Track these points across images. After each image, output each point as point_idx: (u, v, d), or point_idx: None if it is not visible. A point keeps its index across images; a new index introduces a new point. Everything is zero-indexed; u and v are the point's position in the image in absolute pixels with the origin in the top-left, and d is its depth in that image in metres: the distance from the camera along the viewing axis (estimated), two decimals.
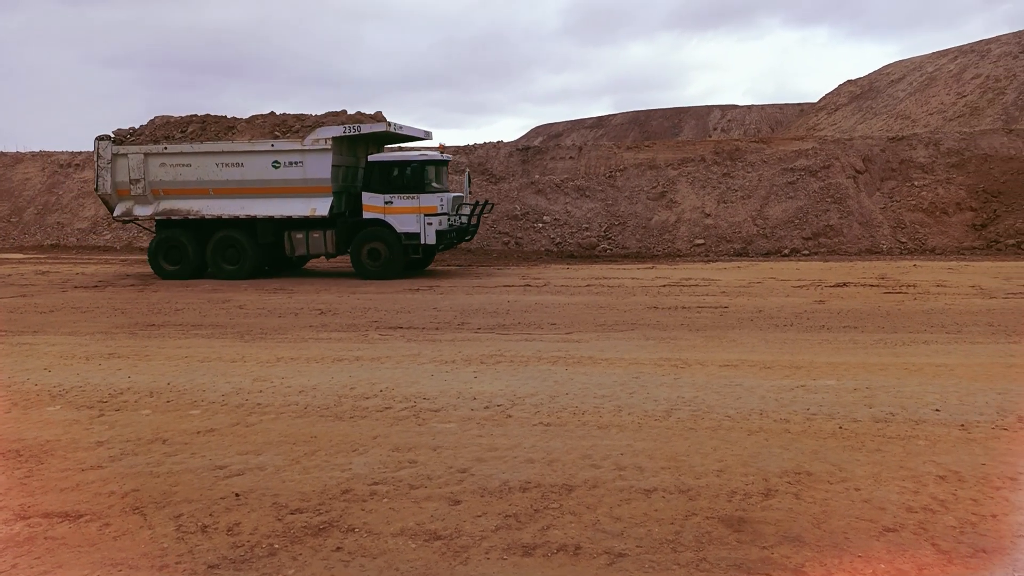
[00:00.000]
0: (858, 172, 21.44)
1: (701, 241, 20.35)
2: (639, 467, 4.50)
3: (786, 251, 19.60)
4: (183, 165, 16.26)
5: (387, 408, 5.83)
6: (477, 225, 17.20)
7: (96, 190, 17.24)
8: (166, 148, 16.39)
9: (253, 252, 16.23)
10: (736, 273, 15.87)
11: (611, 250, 20.42)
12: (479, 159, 23.92)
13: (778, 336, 8.61)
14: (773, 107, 77.59)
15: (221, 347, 8.49)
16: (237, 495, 4.21)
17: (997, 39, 51.55)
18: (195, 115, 17.61)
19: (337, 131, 15.69)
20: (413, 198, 15.55)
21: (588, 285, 14.14)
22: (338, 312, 11.17)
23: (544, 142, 24.03)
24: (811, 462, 4.51)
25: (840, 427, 5.12)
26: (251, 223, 16.21)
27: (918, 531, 3.60)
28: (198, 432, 5.33)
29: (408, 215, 15.56)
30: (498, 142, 25.19)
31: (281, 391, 6.40)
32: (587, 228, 21.20)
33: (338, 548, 3.58)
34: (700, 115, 77.89)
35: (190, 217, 16.31)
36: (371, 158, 16.22)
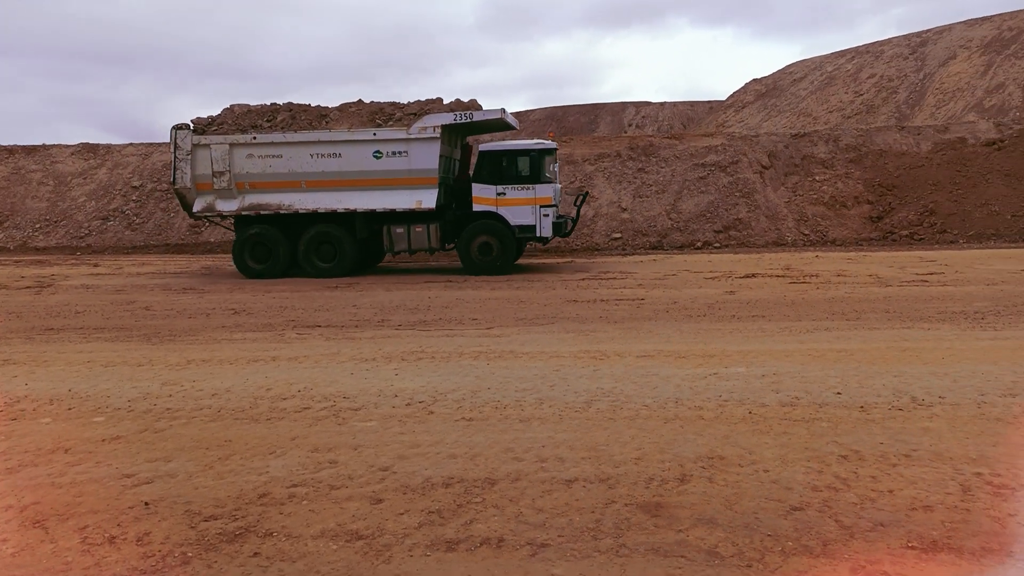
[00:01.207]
0: (764, 167, 22.34)
1: (618, 235, 20.78)
2: (560, 458, 4.57)
3: (699, 244, 20.24)
4: (273, 156, 15.06)
5: (306, 408, 5.71)
6: (578, 217, 16.48)
7: (173, 184, 15.61)
8: (255, 138, 15.15)
9: (351, 248, 15.26)
10: (652, 266, 16.28)
11: (530, 245, 20.58)
12: None
13: (692, 326, 8.89)
14: (685, 104, 79.82)
15: (126, 351, 8.12)
16: (146, 504, 4.04)
17: (889, 41, 54.60)
18: (276, 103, 16.27)
19: (447, 118, 14.80)
20: (528, 188, 14.89)
21: (509, 280, 14.22)
22: (253, 312, 10.85)
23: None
24: (723, 446, 4.68)
25: (750, 412, 5.33)
26: (348, 217, 15.22)
27: (822, 508, 3.80)
28: (103, 440, 5.08)
29: (523, 207, 14.91)
30: None
31: (192, 395, 6.17)
32: None
33: (255, 553, 3.48)
34: (615, 111, 79.34)
35: (281, 212, 15.16)
36: (483, 147, 15.48)
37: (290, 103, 16.30)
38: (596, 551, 3.44)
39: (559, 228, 15.33)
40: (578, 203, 16.38)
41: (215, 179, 15.10)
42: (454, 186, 15.63)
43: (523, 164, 14.96)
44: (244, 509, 3.95)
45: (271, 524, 3.77)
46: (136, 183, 25.28)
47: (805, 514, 3.75)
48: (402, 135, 14.74)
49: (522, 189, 14.87)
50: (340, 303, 11.56)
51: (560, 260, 18.25)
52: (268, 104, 16.30)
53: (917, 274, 13.23)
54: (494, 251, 15.08)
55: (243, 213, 15.28)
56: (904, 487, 4.01)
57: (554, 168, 15.51)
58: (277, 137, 15.14)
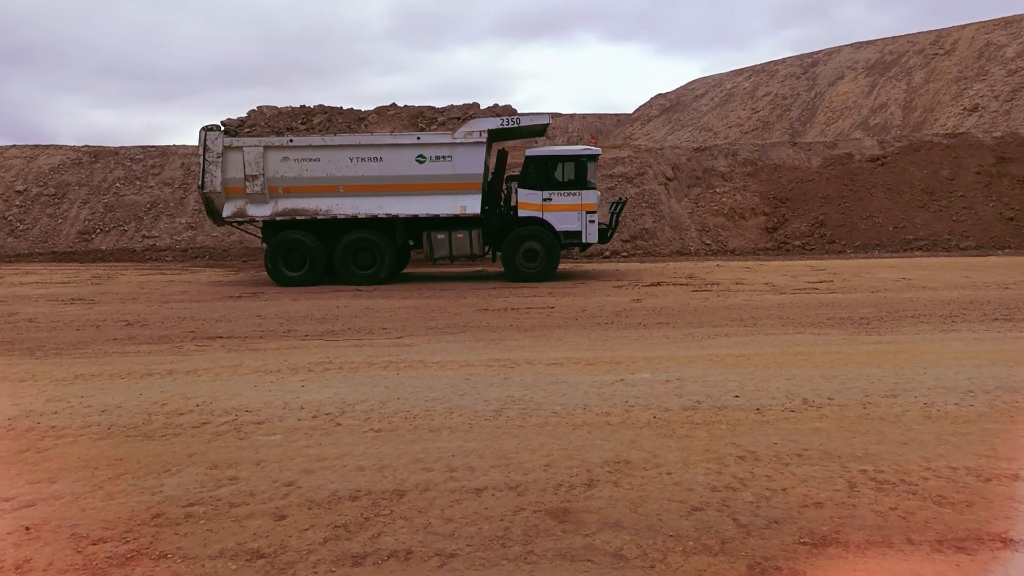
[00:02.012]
0: (668, 179, 23.11)
1: None
2: (470, 467, 4.56)
3: (607, 253, 20.69)
4: (310, 160, 14.42)
5: (204, 424, 5.48)
6: (616, 224, 16.12)
7: (201, 188, 14.71)
8: (291, 141, 14.44)
9: (390, 254, 14.81)
10: (561, 275, 16.52)
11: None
12: None
13: (600, 334, 9.07)
14: (594, 116, 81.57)
15: (6, 365, 7.58)
16: (27, 528, 3.77)
17: (783, 61, 57.55)
18: (305, 105, 15.38)
19: (493, 123, 14.50)
20: (574, 195, 14.73)
21: (419, 288, 14.12)
22: (148, 323, 10.34)
23: None
24: (629, 451, 4.79)
25: (654, 416, 5.48)
26: (387, 223, 14.75)
27: (721, 508, 3.94)
28: None
29: (569, 213, 14.75)
30: None
31: (80, 412, 5.81)
32: None
33: None
34: None
35: (319, 217, 14.53)
36: (529, 152, 15.18)
37: (322, 105, 15.67)
38: (505, 559, 3.44)
39: (603, 234, 15.31)
40: (616, 211, 16.19)
41: (248, 183, 14.45)
42: (488, 191, 15.31)
43: (570, 170, 14.88)
44: (136, 531, 3.75)
45: (165, 545, 3.59)
46: (20, 187, 23.68)
47: (705, 514, 3.87)
48: (447, 139, 14.48)
49: (568, 195, 14.76)
50: (243, 313, 11.17)
51: (472, 269, 18.27)
52: (297, 106, 15.61)
53: (808, 282, 13.96)
54: (539, 257, 14.90)
55: (277, 218, 14.65)
56: (796, 485, 4.21)
57: (594, 174, 15.54)
58: (315, 140, 14.62)
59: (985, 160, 22.78)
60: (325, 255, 14.76)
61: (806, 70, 53.67)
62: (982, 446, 4.72)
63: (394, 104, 16.00)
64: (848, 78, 50.40)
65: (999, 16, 46.89)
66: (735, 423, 5.31)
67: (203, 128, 14.56)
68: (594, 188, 15.07)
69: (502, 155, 15.98)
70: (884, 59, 50.00)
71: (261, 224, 15.15)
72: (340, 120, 15.39)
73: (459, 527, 3.76)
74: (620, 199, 16.70)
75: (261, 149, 14.43)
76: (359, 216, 14.63)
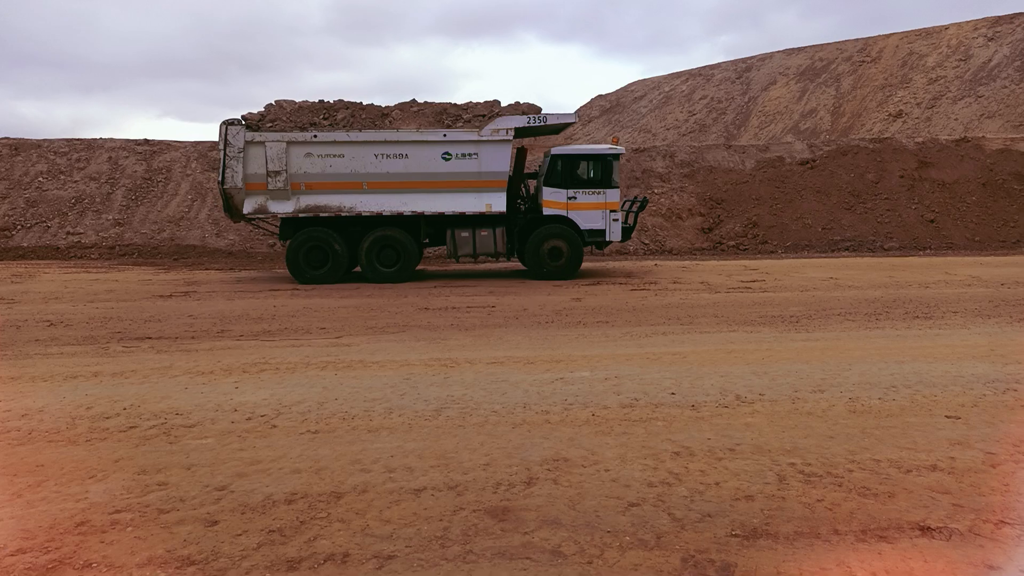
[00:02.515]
0: None
1: None
2: (409, 468, 4.53)
3: None
4: (334, 156, 14.11)
5: (132, 427, 5.29)
6: (635, 223, 15.97)
7: (222, 184, 14.14)
8: (315, 136, 14.08)
9: (414, 252, 14.62)
10: (503, 274, 16.56)
11: None
12: None
13: (540, 333, 9.13)
14: None
15: None
16: None
17: (719, 65, 58.96)
18: (323, 100, 14.78)
19: (520, 121, 14.41)
20: (599, 193, 14.76)
21: (358, 288, 13.95)
22: (72, 324, 9.92)
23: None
24: (568, 449, 4.83)
25: (593, 414, 5.54)
26: (409, 221, 14.54)
27: (657, 503, 4.01)
28: None
29: (593, 211, 14.78)
30: None
31: None
32: None
33: None
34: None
35: (343, 214, 14.23)
36: (555, 151, 15.04)
37: (343, 100, 15.21)
38: (443, 559, 3.43)
39: (626, 233, 15.38)
40: (635, 209, 16.06)
41: (270, 179, 14.06)
42: (508, 189, 15.14)
43: (595, 168, 14.92)
44: (58, 540, 3.60)
45: (90, 554, 3.46)
46: None
47: (641, 509, 3.94)
48: (473, 136, 14.37)
49: (593, 193, 14.81)
50: (174, 313, 10.83)
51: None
52: (315, 101, 15.01)
53: (741, 281, 14.35)
54: (564, 256, 14.88)
55: (301, 215, 14.29)
56: (729, 479, 4.32)
57: (618, 173, 15.53)
58: (340, 136, 14.30)
59: (908, 164, 23.82)
60: (349, 253, 14.59)
61: (740, 75, 55.11)
62: (903, 439, 4.94)
63: (415, 100, 15.73)
64: (780, 83, 51.96)
65: (920, 27, 49.06)
66: (671, 420, 5.41)
67: (224, 122, 14.22)
68: (617, 187, 15.18)
69: (520, 153, 15.90)
70: (814, 66, 51.73)
71: (279, 221, 14.88)
72: (363, 116, 15.08)
73: (398, 528, 3.73)
74: (639, 197, 16.76)
75: (284, 144, 14.13)
76: (384, 214, 14.47)
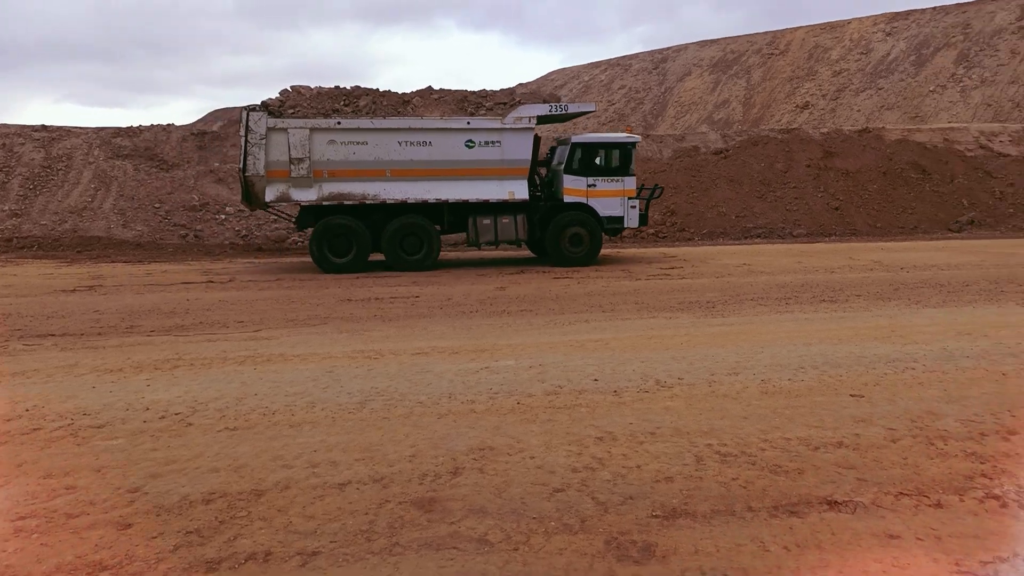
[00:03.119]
0: None
1: None
2: (333, 462, 4.47)
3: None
4: (358, 143, 14.01)
5: (35, 430, 5.02)
6: (647, 211, 16.03)
7: (243, 171, 13.77)
8: (339, 123, 13.99)
9: (437, 239, 14.68)
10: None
11: (302, 242, 19.85)
12: (145, 143, 21.60)
13: (465, 322, 9.13)
14: None
15: None
16: None
17: (636, 56, 59.98)
18: (339, 86, 14.75)
19: (542, 109, 14.67)
20: (617, 181, 15.10)
21: (278, 279, 13.60)
22: None
23: (224, 127, 22.48)
24: (493, 437, 4.86)
25: (518, 403, 5.59)
26: (432, 208, 14.58)
27: (581, 488, 4.09)
28: None
29: (612, 198, 15.10)
30: (168, 125, 22.99)
31: None
32: (275, 220, 20.31)
33: None
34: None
35: (367, 202, 14.19)
36: (575, 139, 15.24)
37: (359, 86, 15.11)
38: (369, 553, 3.41)
39: (643, 219, 15.67)
40: (648, 197, 16.20)
41: (293, 166, 13.81)
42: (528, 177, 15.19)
43: (614, 156, 15.20)
44: None
45: None
46: None
47: (566, 494, 4.01)
48: (496, 124, 14.46)
49: (612, 181, 15.09)
50: (78, 308, 10.29)
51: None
52: (332, 87, 14.93)
53: (661, 268, 14.72)
54: (584, 242, 15.08)
55: (324, 203, 14.10)
56: (650, 462, 4.44)
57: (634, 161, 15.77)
58: (364, 123, 14.19)
59: (814, 154, 24.88)
60: (373, 240, 14.48)
61: (657, 65, 56.26)
62: (811, 417, 5.19)
63: (430, 87, 15.89)
64: (695, 75, 53.33)
65: (826, 20, 51.21)
66: (594, 406, 5.52)
67: (245, 108, 13.89)
68: (633, 175, 15.44)
69: (536, 141, 15.69)
70: (726, 57, 53.31)
71: (298, 209, 14.66)
72: (384, 103, 15.10)
73: (321, 524, 3.68)
74: (655, 186, 17.02)
75: (307, 131, 13.86)
76: (409, 201, 14.42)
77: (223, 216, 20.05)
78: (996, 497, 3.93)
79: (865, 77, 45.17)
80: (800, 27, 52.19)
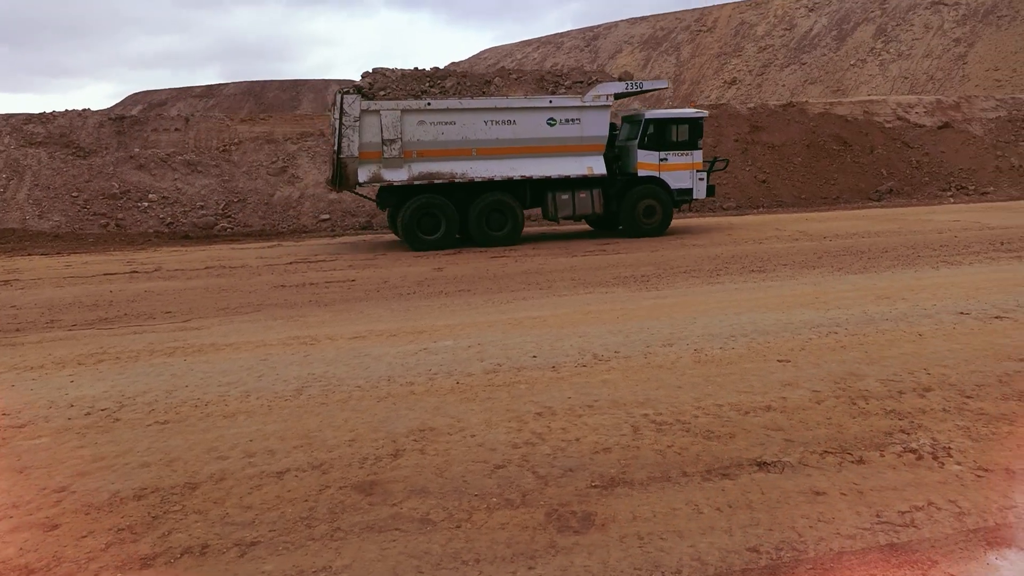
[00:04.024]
0: None
1: (327, 216, 20.34)
2: (270, 450, 4.40)
3: None
4: (446, 123, 14.39)
5: None
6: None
7: (338, 153, 14.04)
8: (429, 104, 14.32)
9: (521, 216, 15.19)
10: (363, 247, 16.24)
11: (232, 229, 19.31)
12: (60, 130, 20.59)
13: (402, 304, 9.06)
14: None
15: None
16: None
17: (568, 33, 60.04)
18: (418, 68, 15.36)
19: (618, 87, 15.23)
20: (687, 154, 15.75)
21: (208, 268, 13.21)
22: None
23: (144, 111, 21.58)
24: (434, 418, 4.87)
25: (457, 382, 5.60)
26: (514, 185, 15.00)
27: (522, 463, 4.14)
28: None
29: (682, 171, 15.78)
30: (84, 110, 21.94)
31: None
32: (203, 206, 19.71)
33: None
34: (318, 89, 77.06)
35: (456, 180, 14.56)
36: (648, 114, 15.89)
37: (437, 68, 15.40)
38: (310, 539, 3.38)
39: (711, 191, 16.39)
40: (716, 168, 16.90)
41: (386, 147, 14.17)
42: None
43: (684, 131, 15.79)
44: None
45: None
46: None
47: (507, 470, 4.05)
48: (576, 103, 14.89)
49: (682, 155, 15.74)
50: None
51: (267, 244, 17.38)
52: (413, 69, 15.24)
53: (596, 244, 14.88)
54: (657, 214, 15.77)
55: (415, 182, 14.45)
56: (588, 434, 4.52)
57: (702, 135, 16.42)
58: (453, 103, 14.51)
59: (742, 129, 25.47)
60: (460, 218, 14.84)
61: (589, 43, 56.47)
62: (741, 383, 5.36)
63: (503, 68, 16.31)
64: (626, 52, 53.77)
65: None
66: (533, 382, 5.57)
67: (339, 91, 14.12)
68: (701, 148, 16.05)
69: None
70: (656, 35, 53.90)
71: (378, 189, 15.09)
72: (468, 84, 15.37)
73: (260, 514, 3.63)
74: (714, 159, 17.48)
75: (398, 113, 14.17)
76: (495, 179, 14.79)
77: (146, 204, 19.32)
78: (913, 451, 4.15)
79: (789, 52, 46.34)
80: (727, 4, 53.09)
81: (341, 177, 14.46)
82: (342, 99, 14.06)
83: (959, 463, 3.99)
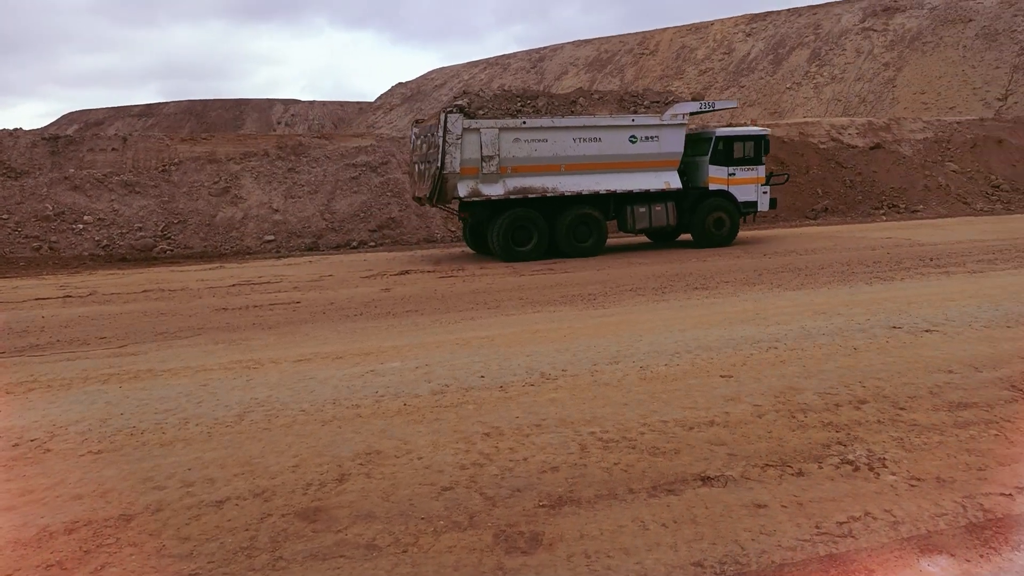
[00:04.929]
0: None
1: (271, 237, 20.02)
2: (210, 479, 4.27)
3: (355, 243, 20.42)
4: (539, 140, 15.36)
5: None
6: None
7: (442, 169, 14.84)
8: (524, 122, 15.34)
9: (605, 228, 16.11)
10: (307, 268, 16.02)
11: (172, 251, 18.83)
12: None
13: (349, 326, 8.95)
14: (335, 104, 79.60)
15: None
16: None
17: (515, 55, 60.68)
18: (506, 88, 16.55)
19: (693, 107, 16.62)
20: (752, 169, 16.97)
21: (145, 291, 12.84)
22: None
23: (80, 131, 20.88)
24: (380, 441, 4.80)
25: (405, 404, 5.55)
26: (599, 199, 15.97)
27: (469, 484, 4.11)
28: None
29: (747, 185, 16.98)
30: (16, 129, 21.21)
31: None
32: (141, 228, 19.18)
33: None
34: (262, 108, 76.11)
35: (547, 195, 15.50)
36: (719, 132, 17.04)
37: (526, 89, 16.48)
38: (250, 570, 3.29)
39: (773, 203, 17.62)
40: (767, 182, 17.65)
41: (484, 163, 15.04)
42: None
43: (750, 148, 17.02)
44: None
45: None
46: None
47: (454, 492, 4.02)
48: (655, 121, 15.98)
49: (748, 170, 16.97)
50: None
51: (208, 267, 16.99)
52: (501, 90, 16.52)
53: (544, 264, 14.98)
54: (726, 225, 16.88)
55: (511, 196, 15.33)
56: (536, 453, 4.52)
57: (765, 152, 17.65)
58: (545, 122, 15.47)
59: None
60: (550, 230, 15.64)
61: (535, 64, 57.17)
62: (686, 399, 5.44)
63: (580, 88, 17.52)
64: (571, 73, 54.60)
65: (691, 22, 53.66)
66: (481, 402, 5.55)
67: (444, 110, 15.05)
68: (764, 164, 17.37)
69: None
70: (600, 57, 54.91)
71: (459, 204, 15.92)
72: (556, 104, 16.35)
73: (199, 544, 3.52)
74: (772, 173, 18.38)
75: (496, 131, 15.08)
76: (583, 193, 15.74)
77: (81, 226, 18.71)
78: (850, 462, 4.27)
79: (728, 76, 47.72)
80: (668, 28, 54.48)
81: (441, 192, 15.39)
82: (446, 118, 14.89)
83: (893, 473, 4.12)
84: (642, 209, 16.34)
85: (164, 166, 20.87)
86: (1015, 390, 5.40)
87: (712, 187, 16.92)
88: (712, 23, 52.57)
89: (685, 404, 5.33)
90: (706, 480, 4.08)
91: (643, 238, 18.82)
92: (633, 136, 16.01)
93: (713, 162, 16.93)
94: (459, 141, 14.91)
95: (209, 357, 7.38)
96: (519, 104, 16.13)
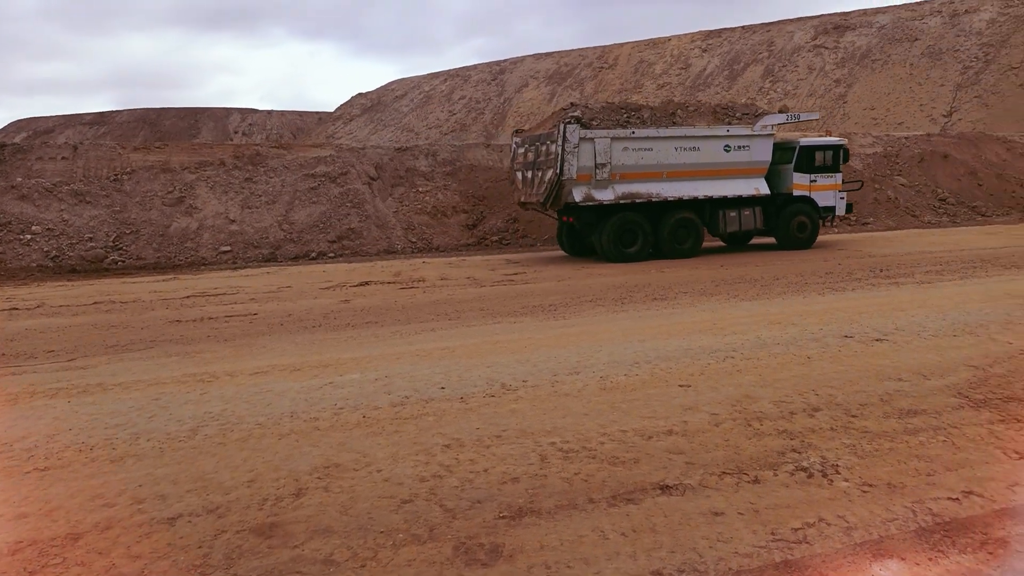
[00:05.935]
0: (372, 179, 23.20)
1: (227, 248, 19.67)
2: (161, 495, 4.17)
3: (313, 254, 20.19)
4: (645, 149, 16.44)
5: None
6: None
7: (560, 175, 16.02)
8: (633, 132, 16.42)
9: (702, 231, 17.20)
10: (265, 279, 15.77)
11: (124, 262, 18.38)
12: None
13: (307, 338, 8.84)
14: (294, 114, 78.91)
15: None
16: None
17: (475, 67, 60.90)
18: (610, 102, 17.71)
19: (780, 119, 17.73)
20: (831, 176, 18.14)
21: (96, 303, 12.49)
22: None
23: (28, 139, 20.33)
24: (339, 454, 4.74)
25: (364, 416, 5.49)
26: (696, 204, 16.98)
27: (429, 497, 4.08)
28: None
29: (827, 191, 18.12)
30: None
31: None
32: (91, 238, 18.68)
33: None
34: (219, 117, 75.04)
35: (652, 200, 16.55)
36: (802, 142, 18.20)
37: (626, 100, 17.08)
38: None
39: (849, 208, 18.96)
40: (847, 188, 18.72)
41: (597, 170, 16.10)
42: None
43: (829, 156, 18.16)
44: None
45: None
46: None
47: (414, 505, 3.99)
48: (747, 131, 17.02)
49: (828, 177, 18.11)
50: None
51: (161, 278, 16.62)
52: (607, 103, 17.63)
53: (504, 275, 15.01)
54: (807, 229, 17.97)
55: (620, 201, 16.35)
56: (497, 465, 4.51)
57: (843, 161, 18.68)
58: (652, 132, 16.56)
59: None
60: (653, 233, 16.63)
61: (495, 77, 57.42)
62: (645, 409, 5.49)
63: (671, 101, 19.06)
64: (532, 86, 54.98)
65: (648, 37, 54.53)
66: (441, 414, 5.52)
67: (563, 121, 16.04)
68: (841, 171, 18.41)
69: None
70: (561, 70, 55.41)
71: (562, 207, 16.70)
72: (658, 115, 17.38)
73: (150, 563, 3.42)
74: (849, 180, 19.44)
75: (609, 140, 16.17)
76: (683, 198, 16.77)
77: (28, 236, 18.15)
78: (804, 469, 4.35)
79: (686, 90, 48.54)
80: (626, 43, 55.27)
81: (556, 196, 16.49)
82: (565, 128, 15.97)
83: (846, 479, 4.20)
84: (732, 214, 17.45)
85: (116, 175, 20.39)
86: (962, 397, 5.57)
87: (796, 193, 18.07)
88: (669, 39, 53.51)
89: (644, 414, 5.38)
90: (665, 489, 4.12)
91: (717, 241, 19.80)
92: (727, 145, 17.08)
93: (797, 169, 18.08)
94: (576, 150, 16.02)
95: (162, 370, 7.21)
96: (625, 116, 17.24)
